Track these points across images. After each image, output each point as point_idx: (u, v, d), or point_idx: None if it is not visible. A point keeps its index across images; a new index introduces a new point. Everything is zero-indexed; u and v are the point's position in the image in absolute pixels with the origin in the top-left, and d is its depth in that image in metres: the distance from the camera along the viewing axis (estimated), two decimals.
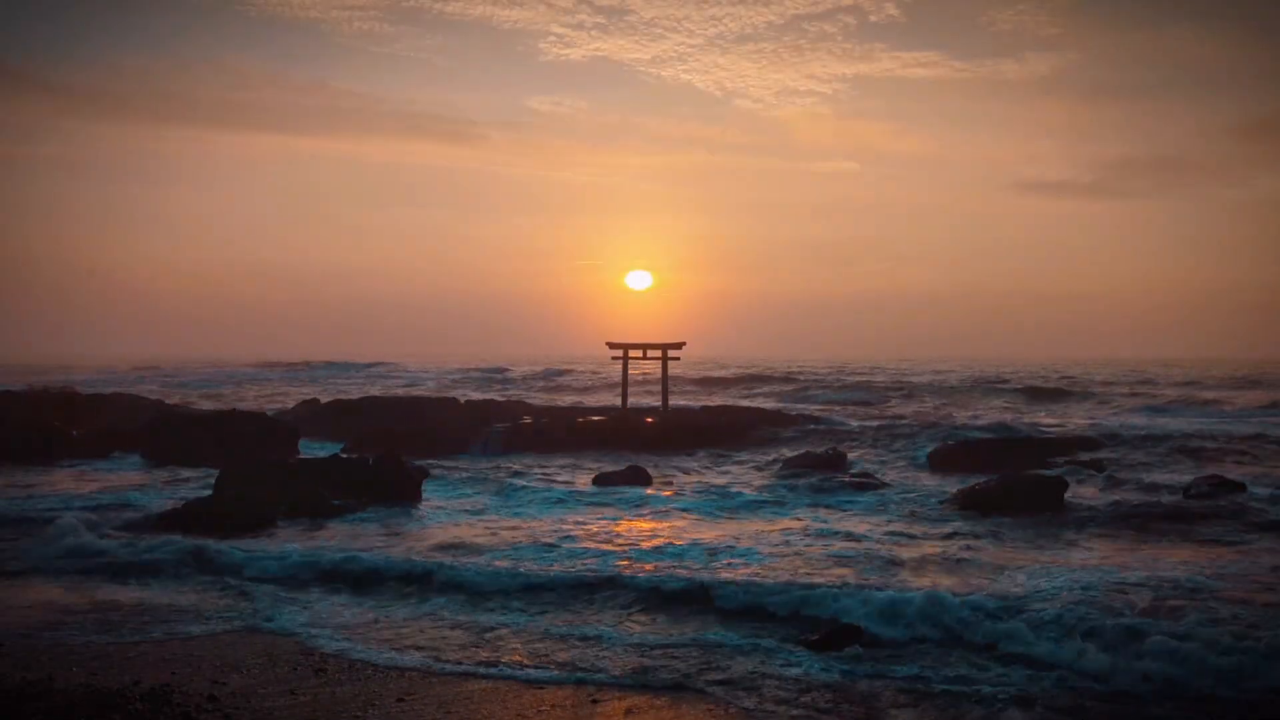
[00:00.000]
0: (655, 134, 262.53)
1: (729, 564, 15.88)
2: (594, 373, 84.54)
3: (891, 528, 19.36)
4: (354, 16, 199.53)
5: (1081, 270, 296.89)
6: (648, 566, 15.63)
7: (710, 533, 18.94)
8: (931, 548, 17.28)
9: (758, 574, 14.88)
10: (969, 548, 17.23)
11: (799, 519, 20.47)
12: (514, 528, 19.55)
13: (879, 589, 13.51)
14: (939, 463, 29.66)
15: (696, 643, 12.00)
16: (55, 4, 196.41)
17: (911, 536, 18.47)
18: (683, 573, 15.03)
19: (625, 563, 15.99)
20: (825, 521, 20.03)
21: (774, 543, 17.68)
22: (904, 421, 41.11)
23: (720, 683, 10.54)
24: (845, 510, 21.72)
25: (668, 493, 24.71)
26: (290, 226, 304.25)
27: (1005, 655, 11.40)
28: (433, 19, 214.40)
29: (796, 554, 16.60)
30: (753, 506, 22.26)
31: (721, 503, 22.81)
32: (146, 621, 12.88)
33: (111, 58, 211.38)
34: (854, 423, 40.57)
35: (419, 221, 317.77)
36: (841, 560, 16.04)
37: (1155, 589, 13.70)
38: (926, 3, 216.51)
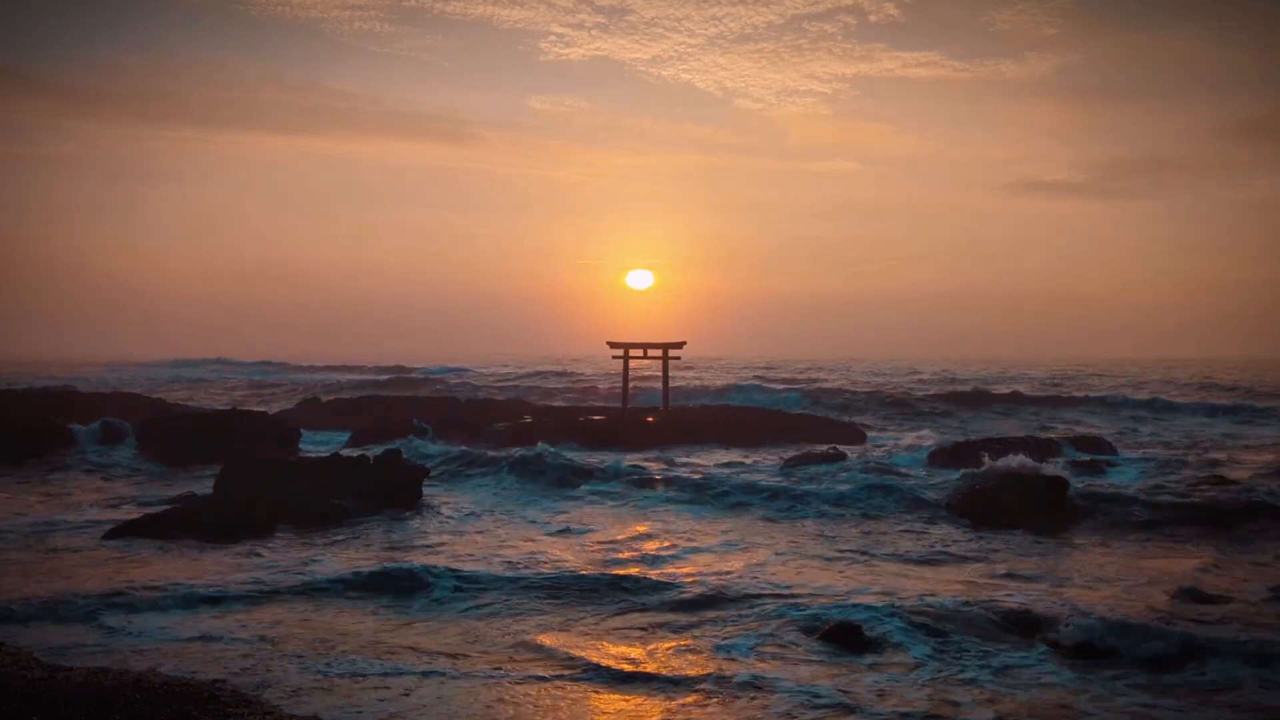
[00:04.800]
0: (655, 134, 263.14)
1: None
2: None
3: None
4: (354, 16, 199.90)
5: (1080, 270, 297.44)
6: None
7: None
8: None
9: None
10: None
11: None
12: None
13: None
14: None
15: None
16: (55, 4, 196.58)
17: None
18: None
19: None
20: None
21: None
22: None
23: None
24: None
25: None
26: (288, 226, 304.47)
27: None
28: (432, 19, 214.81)
29: None
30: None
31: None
32: None
33: (111, 58, 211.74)
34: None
35: (419, 221, 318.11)
36: None
37: None
38: (926, 3, 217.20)
